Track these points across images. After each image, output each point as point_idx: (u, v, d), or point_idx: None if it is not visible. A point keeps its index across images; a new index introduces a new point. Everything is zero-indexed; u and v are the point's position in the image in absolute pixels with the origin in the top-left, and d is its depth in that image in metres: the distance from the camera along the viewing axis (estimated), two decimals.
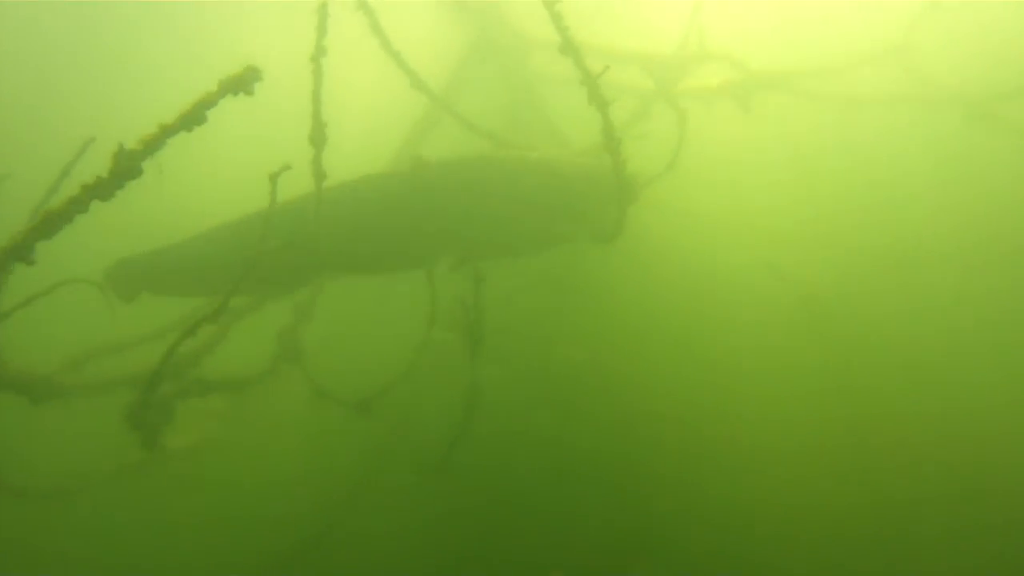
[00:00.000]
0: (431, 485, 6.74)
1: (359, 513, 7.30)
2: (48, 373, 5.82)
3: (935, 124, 7.54)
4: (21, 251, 3.90)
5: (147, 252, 5.95)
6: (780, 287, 7.42)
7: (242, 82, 4.01)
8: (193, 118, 3.98)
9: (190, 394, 5.93)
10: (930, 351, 8.03)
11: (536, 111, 8.15)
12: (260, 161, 4.91)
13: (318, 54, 4.83)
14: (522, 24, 8.10)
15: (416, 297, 5.95)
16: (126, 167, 3.90)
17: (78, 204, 3.89)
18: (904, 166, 8.67)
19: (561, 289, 7.50)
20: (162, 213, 6.20)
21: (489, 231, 6.13)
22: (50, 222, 3.86)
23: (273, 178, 4.67)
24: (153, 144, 3.96)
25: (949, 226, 8.45)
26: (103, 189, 3.89)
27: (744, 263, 7.61)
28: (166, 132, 3.95)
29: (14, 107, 10.32)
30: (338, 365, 6.49)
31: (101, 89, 10.42)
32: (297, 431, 7.27)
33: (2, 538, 6.57)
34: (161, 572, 7.12)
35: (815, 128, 8.21)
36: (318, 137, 4.97)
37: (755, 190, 8.33)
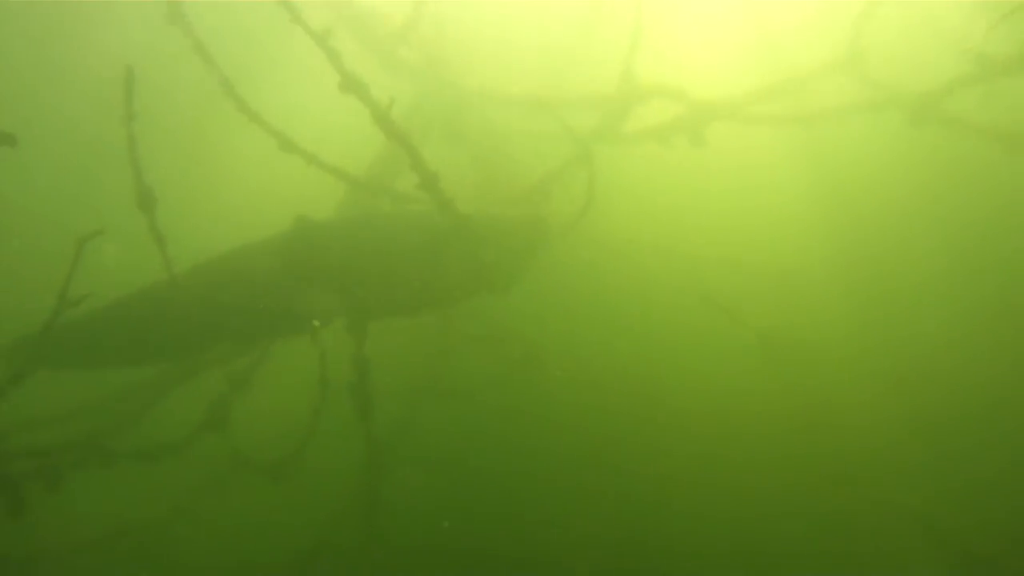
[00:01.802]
0: None
1: None
2: None
3: (884, 129, 7.02)
4: None
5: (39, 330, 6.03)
6: (728, 324, 6.98)
7: None
8: None
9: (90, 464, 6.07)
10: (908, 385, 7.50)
11: (494, 163, 8.08)
12: None
13: (128, 118, 4.87)
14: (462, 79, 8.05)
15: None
16: None
17: None
18: (862, 179, 8.15)
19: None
20: None
21: (380, 289, 6.02)
22: None
23: (80, 243, 4.69)
24: None
25: (905, 236, 7.90)
26: None
27: (686, 300, 7.24)
28: None
29: None
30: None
31: None
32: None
33: None
34: None
35: (767, 150, 7.82)
36: (146, 203, 5.00)
37: (703, 221, 7.98)
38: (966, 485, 7.47)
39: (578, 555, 7.37)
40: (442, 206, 5.49)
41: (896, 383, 7.73)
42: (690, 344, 7.55)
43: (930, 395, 7.75)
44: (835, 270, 8.00)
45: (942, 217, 8.02)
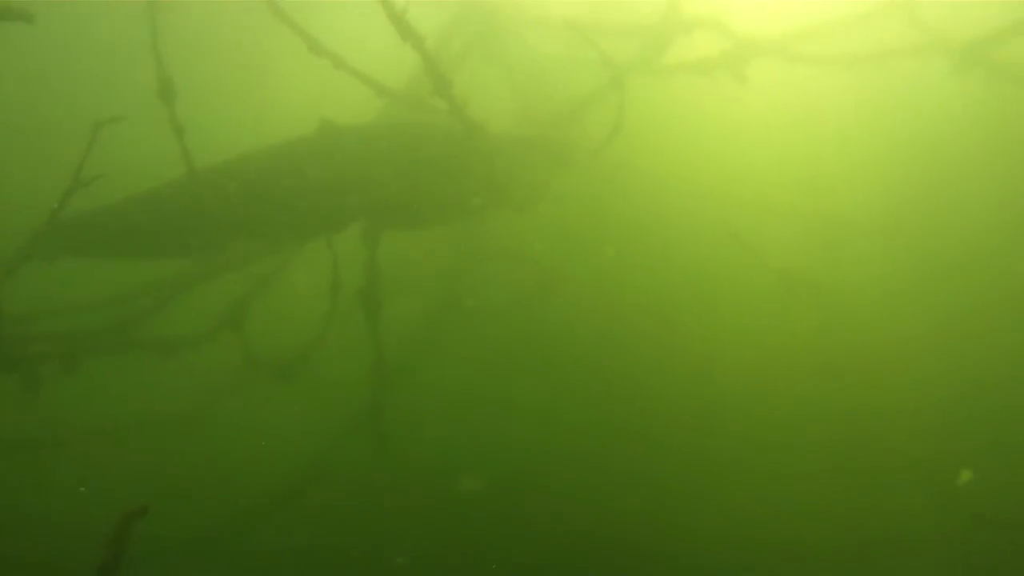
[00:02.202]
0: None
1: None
2: None
3: (930, 77, 6.79)
4: None
5: (74, 216, 6.14)
6: (752, 260, 6.85)
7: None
8: None
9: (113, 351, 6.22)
10: (925, 334, 7.33)
11: (530, 87, 7.99)
12: None
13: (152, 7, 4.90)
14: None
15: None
16: None
17: None
18: (901, 126, 7.90)
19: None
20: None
21: (398, 198, 6.03)
22: None
23: (96, 127, 4.74)
24: None
25: (943, 187, 7.66)
26: None
27: (711, 234, 7.10)
28: None
29: None
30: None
31: None
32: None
33: None
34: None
35: (809, 92, 7.62)
36: (167, 92, 5.04)
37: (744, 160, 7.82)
38: (990, 444, 7.33)
39: (584, 486, 7.38)
40: (458, 114, 5.46)
41: (935, 334, 7.59)
42: (712, 280, 7.45)
43: (972, 349, 7.59)
44: (874, 216, 7.79)
45: (984, 167, 7.77)
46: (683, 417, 7.32)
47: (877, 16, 6.89)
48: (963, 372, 7.40)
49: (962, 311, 7.61)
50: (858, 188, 7.87)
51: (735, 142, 7.91)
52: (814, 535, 7.24)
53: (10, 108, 7.99)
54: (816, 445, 7.39)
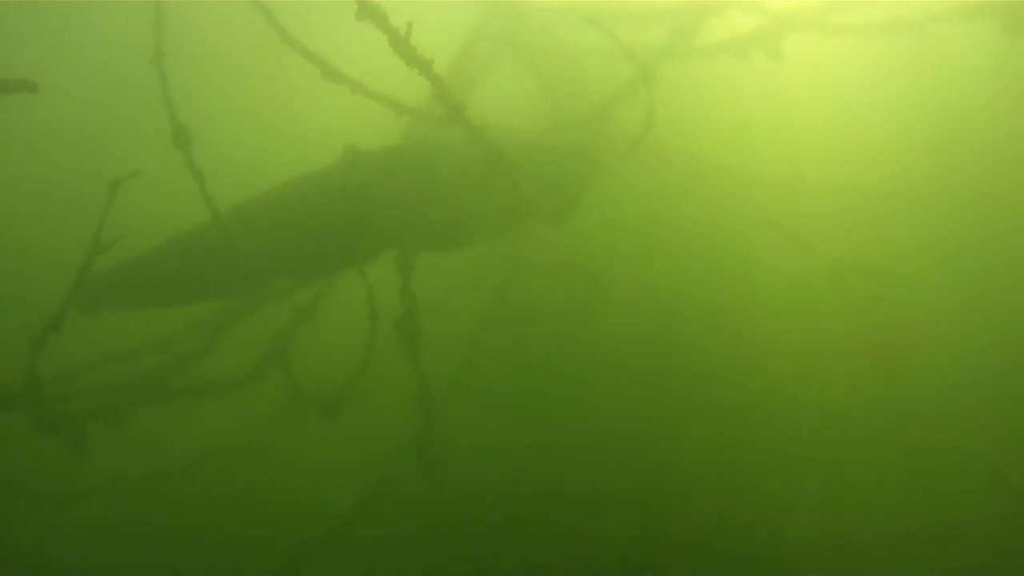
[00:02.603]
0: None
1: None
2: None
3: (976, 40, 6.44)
4: None
5: (113, 265, 6.02)
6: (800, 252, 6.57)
7: None
8: None
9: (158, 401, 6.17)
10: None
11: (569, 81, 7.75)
12: None
13: (159, 57, 4.78)
14: None
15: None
16: None
17: None
18: (949, 94, 7.50)
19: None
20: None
21: (433, 219, 5.86)
22: None
23: (113, 186, 4.64)
24: None
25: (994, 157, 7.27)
26: None
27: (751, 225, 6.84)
28: None
29: None
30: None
31: None
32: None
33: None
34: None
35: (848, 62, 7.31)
36: (182, 140, 4.92)
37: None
38: None
39: (640, 488, 7.21)
40: (473, 136, 5.25)
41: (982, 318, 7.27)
42: (760, 269, 7.20)
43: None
44: (919, 193, 7.44)
45: None
46: (742, 417, 7.11)
47: None
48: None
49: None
50: (905, 161, 7.52)
51: (776, 122, 7.62)
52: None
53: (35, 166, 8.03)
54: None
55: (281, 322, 6.57)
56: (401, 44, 4.37)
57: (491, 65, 7.33)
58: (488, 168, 5.56)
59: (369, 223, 5.85)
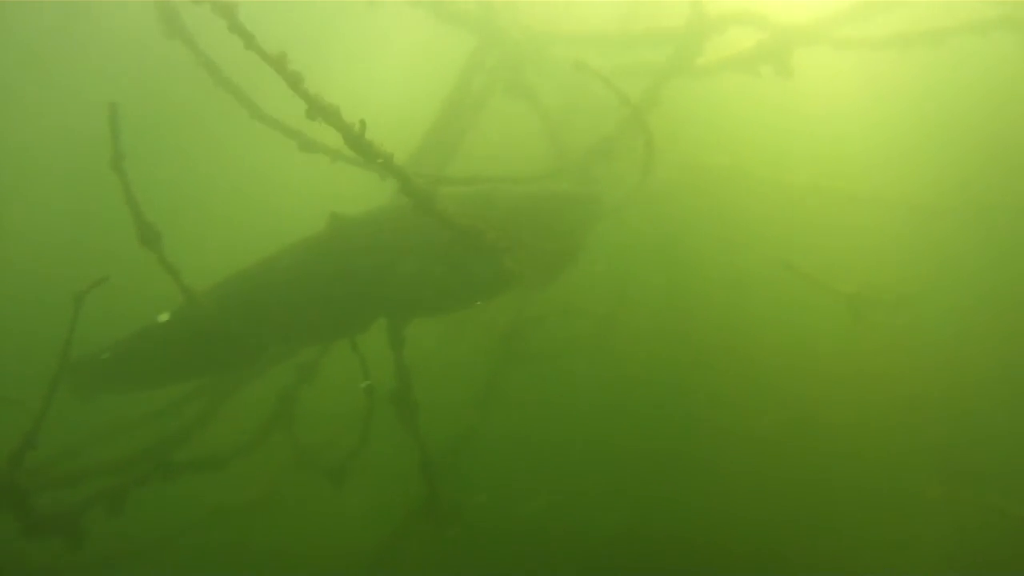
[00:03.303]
0: None
1: None
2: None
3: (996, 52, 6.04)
4: None
5: (101, 350, 5.89)
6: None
7: None
8: None
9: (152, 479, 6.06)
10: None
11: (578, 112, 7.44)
12: None
13: (118, 159, 4.60)
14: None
15: None
16: None
17: None
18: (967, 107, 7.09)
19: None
20: None
21: (417, 287, 5.63)
22: None
23: (79, 298, 4.52)
24: None
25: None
26: None
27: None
28: None
29: None
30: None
31: None
32: None
33: None
34: None
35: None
36: (150, 239, 4.76)
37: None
38: None
39: (655, 520, 7.03)
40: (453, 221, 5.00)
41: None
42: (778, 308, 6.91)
43: None
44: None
45: None
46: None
47: None
48: None
49: None
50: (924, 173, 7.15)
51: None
52: None
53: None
54: None
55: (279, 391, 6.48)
56: (358, 142, 4.12)
57: (486, 101, 7.03)
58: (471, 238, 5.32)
59: (357, 293, 5.65)
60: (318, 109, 4.04)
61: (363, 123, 4.09)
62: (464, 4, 7.18)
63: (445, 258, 5.56)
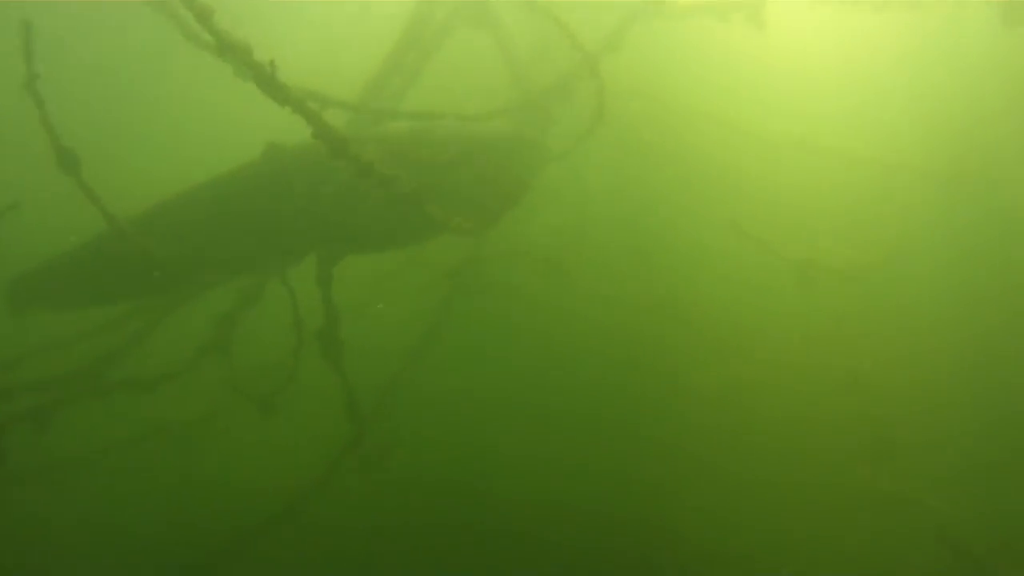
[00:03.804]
0: None
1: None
2: None
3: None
4: None
5: (39, 266, 5.77)
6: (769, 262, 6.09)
7: None
8: None
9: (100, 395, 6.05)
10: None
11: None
12: None
13: (31, 79, 4.47)
14: None
15: None
16: None
17: None
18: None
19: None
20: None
21: (353, 223, 5.52)
22: None
23: None
24: None
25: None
26: None
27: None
28: None
29: None
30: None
31: None
32: None
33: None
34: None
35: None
36: (68, 163, 4.64)
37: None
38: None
39: (594, 458, 7.00)
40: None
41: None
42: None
43: None
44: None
45: None
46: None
47: None
48: None
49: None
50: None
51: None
52: None
53: None
54: None
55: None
56: (269, 83, 3.97)
57: (447, 33, 6.81)
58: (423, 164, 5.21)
59: (291, 226, 5.55)
60: (227, 46, 3.88)
61: (273, 63, 3.93)
62: None
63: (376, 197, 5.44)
